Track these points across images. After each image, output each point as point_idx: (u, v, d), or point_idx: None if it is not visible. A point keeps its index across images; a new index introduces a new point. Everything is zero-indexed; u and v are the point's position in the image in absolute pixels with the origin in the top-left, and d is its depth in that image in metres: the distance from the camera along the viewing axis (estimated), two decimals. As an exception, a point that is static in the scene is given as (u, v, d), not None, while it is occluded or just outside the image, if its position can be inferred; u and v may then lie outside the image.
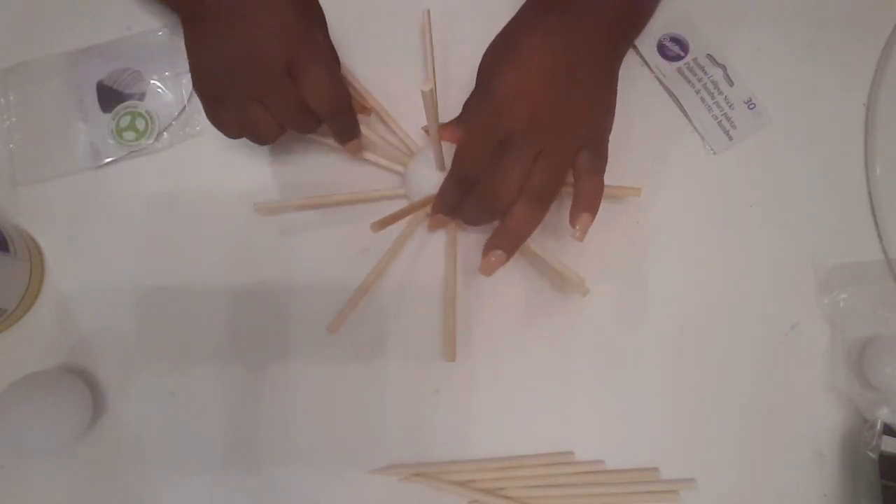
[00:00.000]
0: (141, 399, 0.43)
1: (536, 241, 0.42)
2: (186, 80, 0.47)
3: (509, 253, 0.39)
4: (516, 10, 0.42)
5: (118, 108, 0.46)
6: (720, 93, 0.47)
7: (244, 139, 0.42)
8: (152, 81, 0.47)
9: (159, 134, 0.46)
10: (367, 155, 0.45)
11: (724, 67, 0.47)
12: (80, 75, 0.47)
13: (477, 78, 0.41)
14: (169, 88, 0.47)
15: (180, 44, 0.47)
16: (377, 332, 0.44)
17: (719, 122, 0.46)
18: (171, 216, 0.45)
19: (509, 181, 0.38)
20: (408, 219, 0.44)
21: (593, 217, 0.38)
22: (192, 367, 0.44)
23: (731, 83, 0.47)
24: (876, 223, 0.45)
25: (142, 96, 0.47)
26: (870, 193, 0.46)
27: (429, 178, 0.43)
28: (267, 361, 0.44)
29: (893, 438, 0.41)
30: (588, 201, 0.38)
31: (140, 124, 0.46)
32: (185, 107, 0.46)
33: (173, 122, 0.46)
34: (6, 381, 0.40)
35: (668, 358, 0.44)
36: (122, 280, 0.44)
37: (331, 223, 0.45)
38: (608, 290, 0.44)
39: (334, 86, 0.40)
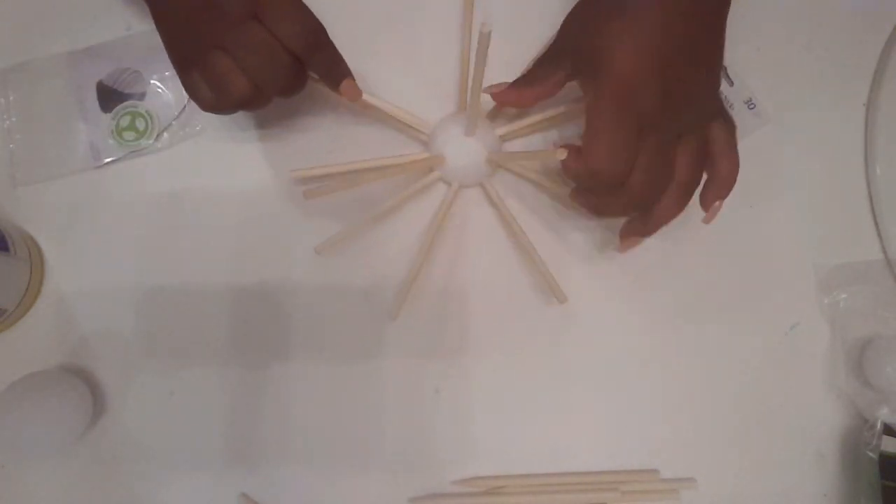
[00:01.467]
0: (141, 399, 0.43)
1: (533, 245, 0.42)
2: (186, 80, 0.47)
3: (649, 236, 0.39)
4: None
5: (118, 108, 0.46)
6: (720, 93, 0.47)
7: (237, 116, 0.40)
8: (152, 81, 0.47)
9: (159, 134, 0.46)
10: (370, 99, 0.42)
11: (724, 67, 0.47)
12: (80, 75, 0.47)
13: (564, 39, 0.38)
14: (169, 88, 0.47)
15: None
16: (377, 332, 0.44)
17: (719, 122, 0.46)
18: (171, 216, 0.45)
19: (661, 176, 0.36)
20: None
21: (724, 199, 0.37)
22: (192, 367, 0.44)
23: (731, 83, 0.47)
24: (876, 223, 0.45)
25: (142, 96, 0.47)
26: (870, 193, 0.46)
27: (459, 140, 0.41)
28: (267, 361, 0.44)
29: (893, 438, 0.41)
30: (725, 185, 0.37)
31: (140, 124, 0.46)
32: (185, 107, 0.46)
33: (173, 122, 0.46)
34: (6, 381, 0.40)
35: (668, 358, 0.44)
36: (122, 280, 0.44)
37: (331, 222, 0.45)
38: (608, 289, 0.44)
39: (305, 14, 0.37)
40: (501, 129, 0.44)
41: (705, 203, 0.38)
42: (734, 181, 0.38)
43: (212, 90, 0.37)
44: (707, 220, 0.38)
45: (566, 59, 0.37)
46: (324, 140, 0.46)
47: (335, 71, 0.39)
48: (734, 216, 0.45)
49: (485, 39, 0.33)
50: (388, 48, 0.47)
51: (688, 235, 0.45)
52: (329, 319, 0.44)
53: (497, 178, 0.45)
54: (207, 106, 0.38)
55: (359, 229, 0.43)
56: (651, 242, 0.45)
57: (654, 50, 0.33)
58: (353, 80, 0.40)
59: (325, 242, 0.43)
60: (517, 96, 0.39)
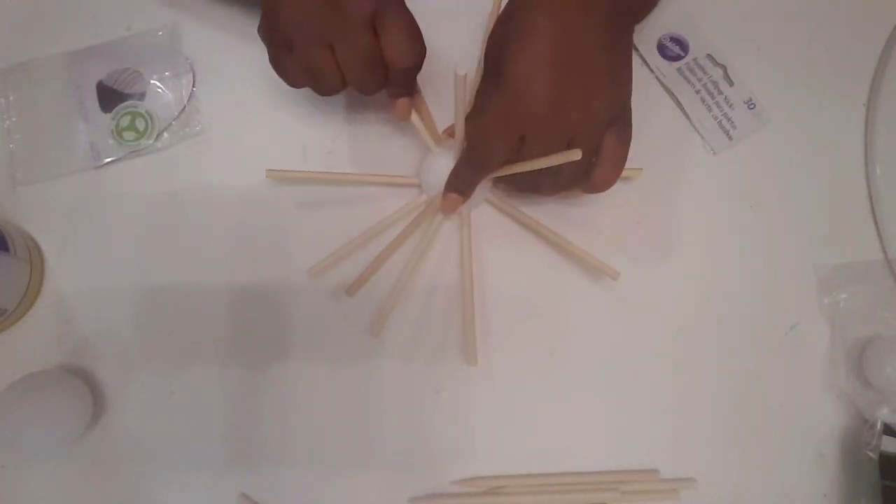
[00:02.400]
0: (141, 399, 0.43)
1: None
2: (186, 80, 0.47)
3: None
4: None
5: (118, 108, 0.46)
6: (720, 93, 0.47)
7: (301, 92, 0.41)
8: (152, 81, 0.47)
9: (159, 134, 0.46)
10: (414, 120, 0.43)
11: (724, 67, 0.47)
12: (80, 75, 0.47)
13: (485, 65, 0.40)
14: (169, 88, 0.47)
15: (180, 44, 0.47)
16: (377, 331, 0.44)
17: (719, 122, 0.46)
18: (171, 216, 0.45)
19: (539, 175, 0.38)
20: (418, 214, 0.44)
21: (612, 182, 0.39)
22: (192, 367, 0.44)
23: (731, 83, 0.47)
24: (876, 223, 0.45)
25: (142, 96, 0.47)
26: (870, 193, 0.46)
27: (446, 165, 0.42)
28: (267, 361, 0.44)
29: (893, 438, 0.41)
30: (593, 188, 0.39)
31: (140, 124, 0.46)
32: (185, 107, 0.46)
33: (173, 122, 0.46)
34: (6, 381, 0.40)
35: (668, 358, 0.44)
36: (122, 280, 0.44)
37: (331, 222, 0.45)
38: (607, 290, 0.44)
39: (418, 36, 0.39)
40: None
41: (593, 180, 0.39)
42: (605, 188, 0.39)
43: (303, 76, 0.39)
44: (549, 194, 0.41)
45: (487, 79, 0.39)
46: (325, 140, 0.46)
47: (408, 89, 0.42)
48: (734, 216, 0.46)
49: (460, 84, 0.35)
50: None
51: (688, 236, 0.45)
52: (329, 319, 0.44)
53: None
54: (291, 83, 0.41)
55: (350, 250, 0.44)
56: (651, 244, 0.45)
57: (546, 62, 0.35)
58: (409, 101, 0.42)
59: (318, 265, 0.43)
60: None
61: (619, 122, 0.38)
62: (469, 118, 0.40)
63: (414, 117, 0.43)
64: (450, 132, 0.43)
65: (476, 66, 0.46)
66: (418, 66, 0.40)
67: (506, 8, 0.39)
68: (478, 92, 0.40)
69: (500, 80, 0.36)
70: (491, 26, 0.43)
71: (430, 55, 0.40)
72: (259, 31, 0.40)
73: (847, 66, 0.47)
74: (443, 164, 0.42)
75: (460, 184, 0.41)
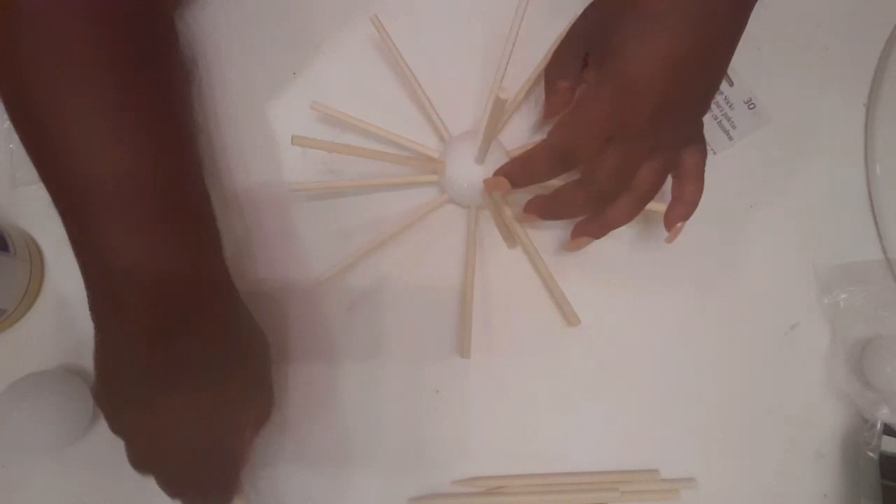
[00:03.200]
0: (141, 399, 0.43)
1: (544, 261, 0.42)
2: (186, 80, 0.47)
3: (598, 238, 0.39)
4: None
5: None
6: (720, 93, 0.47)
7: None
8: (152, 81, 0.47)
9: (159, 134, 0.46)
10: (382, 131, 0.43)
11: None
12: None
13: (578, 36, 0.38)
14: (169, 88, 0.47)
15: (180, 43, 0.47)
16: (377, 331, 0.44)
17: (719, 122, 0.46)
18: (171, 216, 0.45)
19: (620, 180, 0.36)
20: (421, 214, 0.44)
21: (686, 221, 0.38)
22: (192, 367, 0.44)
23: (731, 83, 0.47)
24: (876, 223, 0.45)
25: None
26: (870, 193, 0.46)
27: (470, 169, 0.42)
28: (267, 361, 0.44)
29: (893, 438, 0.41)
30: (688, 207, 0.38)
31: (140, 124, 0.46)
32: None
33: (173, 122, 0.46)
34: (6, 381, 0.40)
35: (667, 358, 0.44)
36: (122, 280, 0.44)
37: (331, 222, 0.45)
38: (608, 291, 0.44)
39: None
40: (511, 148, 0.44)
41: (669, 222, 0.39)
42: (697, 204, 0.39)
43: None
44: (669, 240, 0.39)
45: (581, 46, 0.38)
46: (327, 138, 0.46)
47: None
48: (734, 216, 0.46)
49: (500, 105, 0.33)
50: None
51: (687, 236, 0.45)
52: (329, 319, 0.44)
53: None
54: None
55: (360, 258, 0.43)
56: (651, 244, 0.45)
57: (664, 72, 0.33)
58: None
59: (326, 272, 0.43)
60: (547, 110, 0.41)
61: (698, 141, 0.38)
62: (553, 79, 0.40)
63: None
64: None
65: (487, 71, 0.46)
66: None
67: None
68: (566, 56, 0.39)
69: (611, 68, 0.34)
70: (513, 41, 0.41)
71: (433, 55, 0.40)
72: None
73: (847, 66, 0.47)
74: (463, 164, 0.42)
75: (525, 172, 0.38)
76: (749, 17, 0.36)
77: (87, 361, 0.44)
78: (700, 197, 0.39)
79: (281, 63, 0.46)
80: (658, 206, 0.41)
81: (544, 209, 0.39)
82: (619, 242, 0.45)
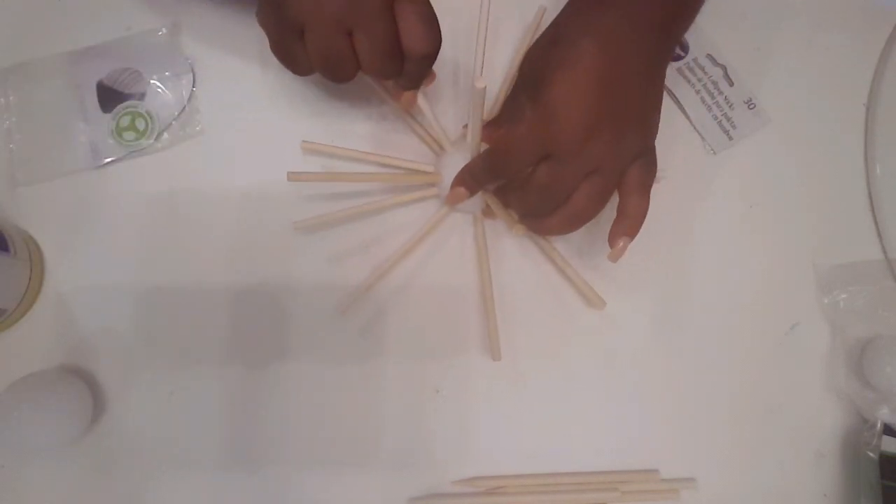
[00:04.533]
0: (141, 399, 0.43)
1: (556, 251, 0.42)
2: (186, 80, 0.47)
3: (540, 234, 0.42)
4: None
5: (118, 108, 0.46)
6: (720, 93, 0.47)
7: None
8: (152, 81, 0.47)
9: (159, 134, 0.46)
10: (422, 104, 0.43)
11: (724, 67, 0.47)
12: (80, 75, 0.47)
13: (521, 74, 0.40)
14: (169, 88, 0.47)
15: (180, 44, 0.47)
16: (377, 331, 0.44)
17: (719, 122, 0.46)
18: (171, 216, 0.45)
19: (556, 197, 0.38)
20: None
21: (632, 239, 0.38)
22: (192, 367, 0.44)
23: (731, 83, 0.47)
24: (876, 223, 0.45)
25: (142, 96, 0.47)
26: (870, 193, 0.46)
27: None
28: (267, 361, 0.44)
29: (893, 438, 0.41)
30: (632, 224, 0.38)
31: (140, 124, 0.46)
32: (185, 107, 0.46)
33: (173, 122, 0.46)
34: (6, 381, 0.40)
35: (668, 358, 0.44)
36: (122, 280, 0.44)
37: (331, 222, 0.45)
38: (608, 291, 0.44)
39: (436, 24, 0.38)
40: None
41: (612, 239, 0.38)
42: (641, 222, 0.38)
43: (318, 63, 0.38)
44: (611, 258, 0.38)
45: (522, 89, 0.39)
46: (324, 141, 0.46)
47: (419, 80, 0.41)
48: (734, 216, 0.46)
49: (478, 96, 0.35)
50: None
51: (687, 236, 0.45)
52: (329, 319, 0.44)
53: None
54: (299, 72, 0.39)
55: (344, 216, 0.44)
56: (651, 243, 0.45)
57: (588, 92, 0.35)
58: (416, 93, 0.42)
59: (304, 220, 0.43)
60: (491, 136, 0.41)
61: (644, 156, 0.38)
62: (498, 123, 0.40)
63: (423, 105, 0.43)
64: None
65: (480, 69, 0.46)
66: (435, 54, 0.39)
67: (554, 26, 0.39)
68: (511, 99, 0.40)
69: (538, 97, 0.36)
70: (527, 37, 0.44)
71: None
72: (259, 16, 0.38)
73: (847, 66, 0.47)
74: (461, 162, 0.43)
75: (470, 181, 0.42)
76: (680, 33, 0.40)
77: (87, 361, 0.44)
78: (644, 212, 0.38)
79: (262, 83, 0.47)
80: (590, 291, 0.42)
81: (468, 181, 0.42)
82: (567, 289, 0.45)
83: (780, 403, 0.44)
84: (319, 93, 0.46)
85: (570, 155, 0.36)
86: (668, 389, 0.44)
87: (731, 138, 0.46)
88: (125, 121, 0.46)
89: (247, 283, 0.44)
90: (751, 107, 0.47)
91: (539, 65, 0.37)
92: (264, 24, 0.38)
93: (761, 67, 0.47)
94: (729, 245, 0.45)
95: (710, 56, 0.47)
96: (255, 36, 0.46)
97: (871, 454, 0.41)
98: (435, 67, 0.41)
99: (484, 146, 0.42)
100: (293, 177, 0.42)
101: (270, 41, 0.38)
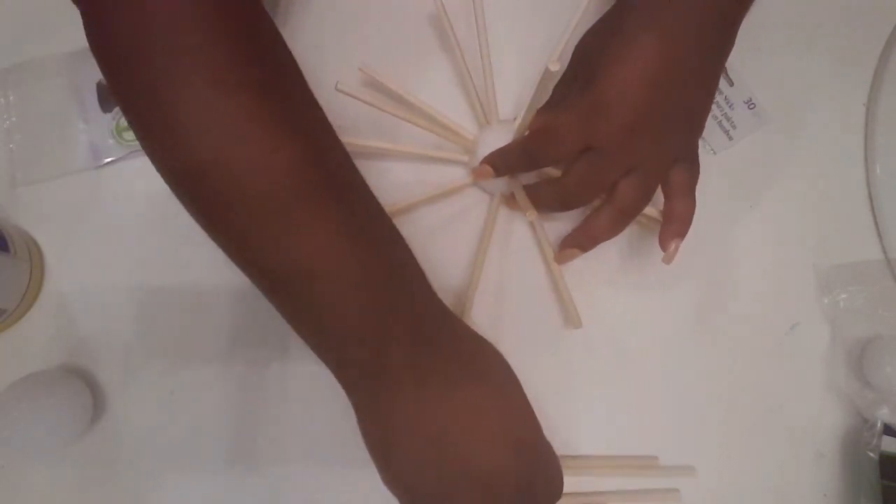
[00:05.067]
0: (141, 399, 0.43)
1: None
2: (186, 80, 0.47)
3: (584, 251, 0.40)
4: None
5: (118, 108, 0.46)
6: (720, 93, 0.47)
7: None
8: (152, 81, 0.47)
9: (159, 134, 0.46)
10: (410, 98, 0.43)
11: (724, 68, 0.47)
12: (80, 75, 0.47)
13: (574, 61, 0.39)
14: (169, 88, 0.47)
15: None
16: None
17: (719, 122, 0.46)
18: (172, 216, 0.45)
19: (594, 189, 0.38)
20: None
21: (682, 240, 0.38)
22: (192, 367, 0.44)
23: (731, 83, 0.47)
24: (876, 223, 0.45)
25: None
26: (870, 193, 0.46)
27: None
28: (267, 361, 0.44)
29: (893, 438, 0.41)
30: (681, 225, 0.38)
31: (140, 124, 0.46)
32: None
33: (173, 122, 0.46)
34: (6, 381, 0.40)
35: (668, 358, 0.44)
36: (123, 280, 0.44)
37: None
38: (610, 290, 0.44)
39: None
40: None
41: (662, 242, 0.39)
42: (689, 222, 0.39)
43: None
44: (665, 261, 0.39)
45: (573, 78, 0.38)
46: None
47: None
48: (734, 216, 0.46)
49: (551, 77, 0.34)
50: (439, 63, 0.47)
51: (687, 236, 0.45)
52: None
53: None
54: None
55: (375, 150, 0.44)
56: (651, 243, 0.45)
57: (641, 87, 0.34)
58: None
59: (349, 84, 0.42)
60: (531, 124, 0.40)
61: (687, 157, 0.38)
62: (544, 109, 0.39)
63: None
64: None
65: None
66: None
67: (615, 15, 0.37)
68: (561, 86, 0.39)
69: (589, 87, 0.35)
70: (574, 23, 0.42)
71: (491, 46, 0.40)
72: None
73: (847, 66, 0.47)
74: (501, 142, 0.42)
75: (500, 163, 0.41)
76: (735, 36, 0.38)
77: (87, 361, 0.44)
78: (692, 214, 0.39)
79: (336, 28, 0.47)
80: (654, 211, 0.41)
81: (499, 163, 0.41)
82: (621, 241, 0.45)
83: (780, 403, 0.44)
84: (369, 60, 0.46)
85: (613, 149, 0.35)
86: (668, 389, 0.44)
87: (731, 138, 0.46)
88: (125, 121, 0.46)
89: (247, 283, 0.44)
90: (751, 107, 0.47)
91: (594, 55, 0.36)
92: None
93: (761, 67, 0.47)
94: (729, 245, 0.45)
95: (710, 56, 0.47)
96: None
97: (871, 454, 0.41)
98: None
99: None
100: (342, 87, 0.41)
101: None
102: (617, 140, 0.35)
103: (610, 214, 0.38)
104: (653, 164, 0.37)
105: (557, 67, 0.33)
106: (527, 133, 0.40)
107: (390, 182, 0.45)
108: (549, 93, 0.36)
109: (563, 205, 0.40)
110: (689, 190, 0.39)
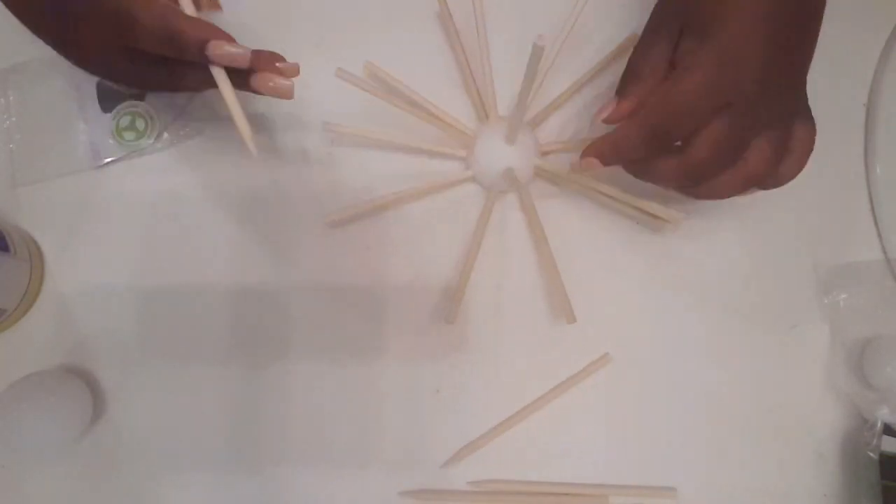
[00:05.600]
0: (141, 399, 0.43)
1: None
2: (186, 80, 0.47)
3: (697, 198, 0.36)
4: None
5: (118, 108, 0.46)
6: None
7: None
8: (152, 81, 0.47)
9: (159, 134, 0.46)
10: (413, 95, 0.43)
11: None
12: (80, 75, 0.46)
13: (672, 13, 0.35)
14: (169, 88, 0.47)
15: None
16: (377, 331, 0.44)
17: (719, 122, 0.46)
18: (171, 216, 0.45)
19: (726, 155, 0.33)
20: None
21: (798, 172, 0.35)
22: (192, 367, 0.44)
23: (731, 83, 0.47)
24: (876, 223, 0.45)
25: (142, 96, 0.46)
26: (870, 193, 0.46)
27: (499, 152, 0.43)
28: (267, 361, 0.44)
29: (893, 438, 0.41)
30: (777, 182, 0.35)
31: (140, 124, 0.46)
32: (185, 107, 0.46)
33: (173, 122, 0.46)
34: (6, 381, 0.40)
35: (668, 357, 0.44)
36: (123, 280, 0.44)
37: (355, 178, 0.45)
38: (608, 290, 0.44)
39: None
40: (544, 143, 0.45)
41: (754, 189, 0.36)
42: (786, 182, 0.36)
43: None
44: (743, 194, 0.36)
45: (674, 23, 0.35)
46: (324, 138, 0.46)
47: (235, 58, 0.36)
48: (734, 216, 0.45)
49: (538, 52, 0.32)
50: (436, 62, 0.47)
51: (688, 235, 0.45)
52: (329, 319, 0.44)
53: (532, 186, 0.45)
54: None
55: (373, 207, 0.44)
56: (652, 243, 0.45)
57: (766, 27, 0.31)
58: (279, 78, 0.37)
59: (336, 213, 0.43)
60: (629, 106, 0.36)
61: (806, 114, 0.36)
62: (640, 79, 0.35)
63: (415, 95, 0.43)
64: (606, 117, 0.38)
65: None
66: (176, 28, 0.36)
67: None
68: (649, 47, 0.36)
69: (709, 39, 0.32)
70: (575, 16, 0.40)
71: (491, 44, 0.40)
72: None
73: (847, 66, 0.47)
74: (493, 146, 0.42)
75: (611, 154, 0.36)
76: None
77: (87, 361, 0.44)
78: (795, 175, 0.36)
79: (346, 25, 0.47)
80: (661, 210, 0.41)
81: (635, 165, 0.36)
82: (619, 241, 0.45)
83: (780, 403, 0.43)
84: (372, 57, 0.46)
85: (753, 105, 0.32)
86: (668, 389, 0.44)
87: (731, 138, 0.46)
88: (125, 121, 0.46)
89: (247, 283, 0.44)
90: (751, 107, 0.46)
91: (702, 3, 0.33)
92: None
93: (761, 67, 0.47)
94: (728, 245, 0.45)
95: (710, 56, 0.47)
96: (255, 36, 0.46)
97: (871, 454, 0.41)
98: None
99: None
100: (341, 73, 0.41)
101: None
102: (753, 95, 0.32)
103: (734, 177, 0.34)
104: (786, 119, 0.34)
105: (543, 44, 0.31)
106: (637, 115, 0.35)
107: (387, 172, 0.45)
108: (536, 73, 0.34)
109: (695, 179, 0.35)
110: (807, 150, 0.35)
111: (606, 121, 0.37)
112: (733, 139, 0.33)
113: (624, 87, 0.37)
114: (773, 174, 0.35)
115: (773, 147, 0.34)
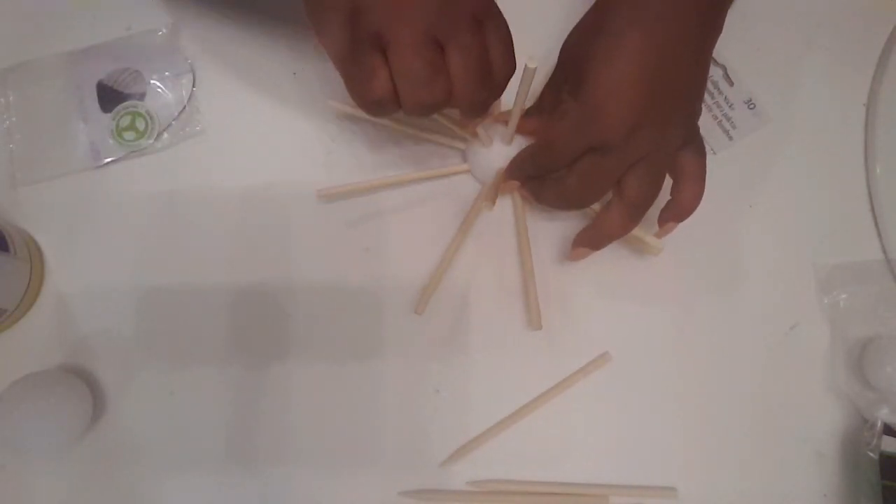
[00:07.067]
0: (141, 399, 0.43)
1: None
2: (186, 80, 0.47)
3: (597, 249, 0.40)
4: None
5: (118, 108, 0.46)
6: (720, 93, 0.47)
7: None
8: (152, 81, 0.47)
9: (159, 134, 0.46)
10: (481, 135, 0.43)
11: (724, 67, 0.47)
12: (80, 75, 0.47)
13: (561, 63, 0.39)
14: (169, 88, 0.47)
15: (180, 44, 0.47)
16: (377, 331, 0.44)
17: (719, 122, 0.46)
18: (171, 216, 0.45)
19: (599, 187, 0.37)
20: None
21: (678, 224, 0.39)
22: (192, 367, 0.44)
23: (731, 83, 0.47)
24: (876, 223, 0.45)
25: (142, 96, 0.47)
26: (870, 193, 0.46)
27: (497, 151, 0.43)
28: (267, 361, 0.44)
29: (893, 438, 0.41)
30: (683, 210, 0.38)
31: (140, 124, 0.46)
32: (185, 107, 0.46)
33: (173, 122, 0.46)
34: (6, 381, 0.40)
35: (668, 357, 0.44)
36: (122, 280, 0.44)
37: (331, 222, 0.45)
38: (607, 291, 0.44)
39: (513, 44, 0.35)
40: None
41: (661, 221, 0.39)
42: (694, 208, 0.39)
43: (402, 86, 0.33)
44: (658, 236, 0.40)
45: (560, 75, 0.39)
46: (323, 138, 0.46)
47: (486, 107, 0.37)
48: (734, 216, 0.46)
49: (529, 75, 0.34)
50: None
51: (688, 235, 0.45)
52: (329, 319, 0.44)
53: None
54: (376, 96, 0.33)
55: (370, 187, 0.44)
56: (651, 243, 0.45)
57: (634, 85, 0.34)
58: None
59: (329, 188, 0.43)
60: (532, 128, 0.42)
61: (693, 143, 0.38)
62: (537, 113, 0.41)
63: (482, 134, 0.43)
64: (499, 118, 0.43)
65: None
66: (509, 79, 0.36)
67: (596, 12, 0.37)
68: (550, 89, 0.40)
69: (581, 91, 0.35)
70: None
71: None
72: (323, 31, 0.33)
73: (847, 66, 0.47)
74: (495, 151, 0.43)
75: (519, 172, 0.41)
76: (724, 16, 0.38)
77: (87, 361, 0.44)
78: (698, 200, 0.38)
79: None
80: (646, 236, 0.41)
81: (531, 189, 0.42)
82: (618, 243, 0.45)
83: (780, 403, 0.43)
84: (321, 94, 0.46)
85: (615, 147, 0.35)
86: (668, 389, 0.44)
87: (731, 138, 0.46)
88: (125, 121, 0.46)
89: (247, 283, 0.44)
90: (751, 107, 0.47)
91: (581, 57, 0.36)
92: (331, 41, 0.33)
93: (761, 67, 0.47)
94: (729, 245, 0.45)
95: (710, 56, 0.47)
96: (254, 35, 0.46)
97: (871, 454, 0.41)
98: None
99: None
100: (323, 194, 0.43)
101: (338, 61, 0.33)
102: (616, 139, 0.35)
103: (620, 210, 0.38)
104: (657, 154, 0.36)
105: (535, 65, 0.33)
106: (530, 144, 0.42)
107: (383, 158, 0.45)
108: (529, 90, 0.36)
109: (567, 205, 0.40)
110: (699, 174, 0.38)
111: (516, 131, 0.42)
112: (598, 174, 0.37)
113: (530, 111, 0.42)
114: (648, 203, 0.37)
115: (651, 178, 0.37)
